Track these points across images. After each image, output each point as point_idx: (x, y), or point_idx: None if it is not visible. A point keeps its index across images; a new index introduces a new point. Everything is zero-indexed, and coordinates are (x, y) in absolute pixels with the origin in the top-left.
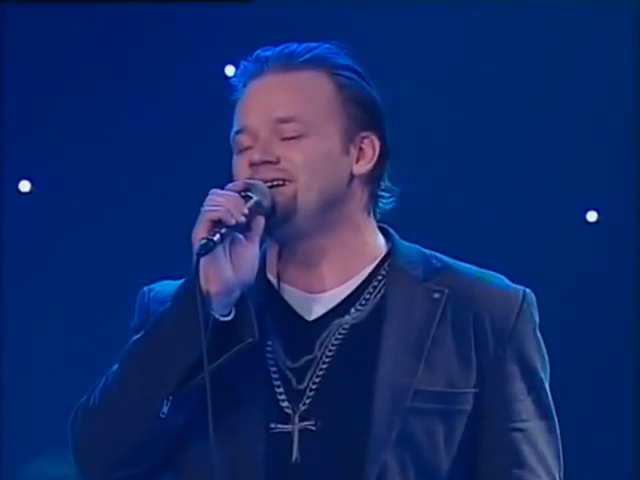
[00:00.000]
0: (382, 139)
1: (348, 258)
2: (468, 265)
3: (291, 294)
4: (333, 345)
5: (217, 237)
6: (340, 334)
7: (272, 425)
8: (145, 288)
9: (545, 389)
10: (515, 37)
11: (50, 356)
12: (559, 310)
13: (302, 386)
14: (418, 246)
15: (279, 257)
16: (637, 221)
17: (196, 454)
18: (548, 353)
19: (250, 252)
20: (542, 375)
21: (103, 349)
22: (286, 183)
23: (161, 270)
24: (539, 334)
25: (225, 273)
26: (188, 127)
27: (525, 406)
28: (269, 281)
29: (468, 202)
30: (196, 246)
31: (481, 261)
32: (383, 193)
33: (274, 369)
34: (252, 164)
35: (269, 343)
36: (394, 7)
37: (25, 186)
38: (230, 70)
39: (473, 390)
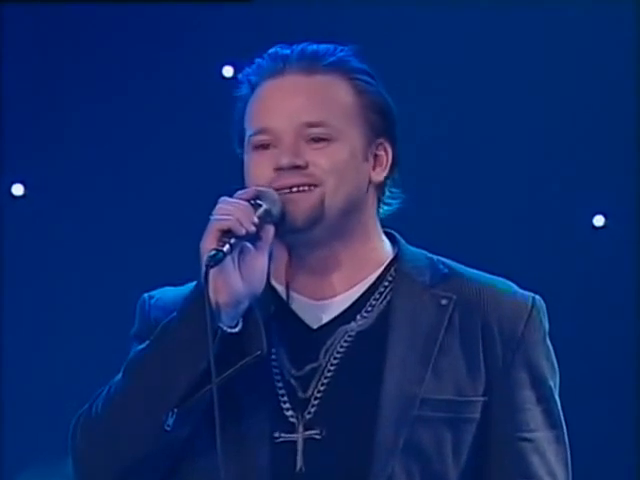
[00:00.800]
0: (394, 145)
1: (356, 265)
2: (476, 271)
3: (296, 301)
4: (338, 353)
5: (227, 247)
6: (345, 341)
7: (276, 434)
8: (145, 295)
9: (554, 398)
10: (519, 40)
11: (47, 362)
12: (566, 315)
13: (307, 395)
14: (425, 251)
15: (286, 264)
16: None
17: (201, 465)
18: (556, 359)
19: (259, 262)
20: (551, 383)
21: (99, 355)
22: (312, 188)
23: (157, 273)
24: (549, 342)
25: (234, 284)
26: (186, 129)
27: (534, 415)
28: (273, 287)
29: (475, 207)
30: (205, 257)
31: (488, 266)
32: (390, 200)
33: (278, 377)
34: (279, 168)
35: (273, 351)
36: (394, 8)
37: (18, 190)
38: (228, 71)
39: (482, 399)
